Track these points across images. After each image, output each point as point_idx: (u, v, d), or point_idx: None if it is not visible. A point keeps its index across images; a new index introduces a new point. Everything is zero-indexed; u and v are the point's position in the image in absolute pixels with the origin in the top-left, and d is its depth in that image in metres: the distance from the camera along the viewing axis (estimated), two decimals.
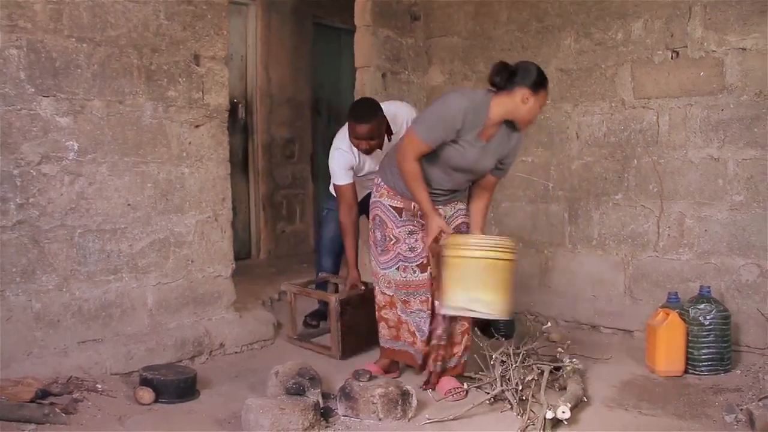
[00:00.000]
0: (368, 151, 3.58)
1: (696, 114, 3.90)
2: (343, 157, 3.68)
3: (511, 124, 3.00)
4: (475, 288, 2.81)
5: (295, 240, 6.07)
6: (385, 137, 3.63)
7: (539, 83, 2.90)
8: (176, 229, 3.55)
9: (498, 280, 2.84)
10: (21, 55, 2.96)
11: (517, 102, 2.88)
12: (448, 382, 3.17)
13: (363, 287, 3.81)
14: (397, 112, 3.69)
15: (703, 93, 3.88)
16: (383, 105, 3.61)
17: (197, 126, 3.62)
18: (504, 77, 2.89)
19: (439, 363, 3.18)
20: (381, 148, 3.60)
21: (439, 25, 4.94)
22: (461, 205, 3.22)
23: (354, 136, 3.52)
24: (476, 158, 2.98)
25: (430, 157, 2.98)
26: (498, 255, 2.84)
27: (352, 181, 3.73)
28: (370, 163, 3.73)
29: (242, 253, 5.55)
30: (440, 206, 3.11)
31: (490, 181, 3.16)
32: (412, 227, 3.16)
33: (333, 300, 3.69)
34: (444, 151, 2.96)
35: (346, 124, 3.59)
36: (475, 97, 2.95)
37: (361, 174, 3.80)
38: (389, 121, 3.62)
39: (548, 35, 4.43)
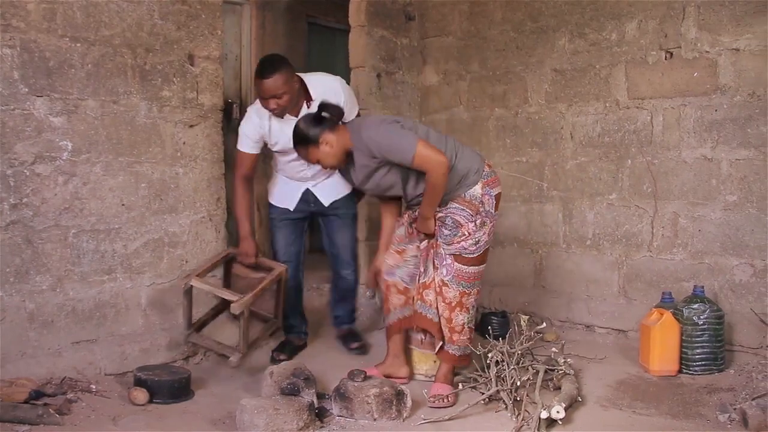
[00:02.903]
0: (279, 113, 3.42)
1: (690, 114, 3.92)
2: (249, 125, 3.54)
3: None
4: None
5: None
6: (304, 104, 3.48)
7: None
8: (170, 230, 3.54)
9: None
10: (14, 55, 2.94)
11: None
12: (437, 388, 3.15)
13: (255, 258, 3.65)
14: (330, 85, 3.54)
15: (697, 93, 3.89)
16: (308, 77, 3.51)
17: (192, 126, 3.61)
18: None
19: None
20: (296, 114, 3.43)
21: (433, 25, 4.94)
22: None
23: (260, 95, 3.40)
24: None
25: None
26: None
27: (254, 153, 3.57)
28: (284, 140, 3.47)
29: None
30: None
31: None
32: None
33: (283, 270, 3.58)
34: None
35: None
36: None
37: (276, 149, 3.60)
38: (310, 89, 3.48)
39: (543, 35, 4.44)
